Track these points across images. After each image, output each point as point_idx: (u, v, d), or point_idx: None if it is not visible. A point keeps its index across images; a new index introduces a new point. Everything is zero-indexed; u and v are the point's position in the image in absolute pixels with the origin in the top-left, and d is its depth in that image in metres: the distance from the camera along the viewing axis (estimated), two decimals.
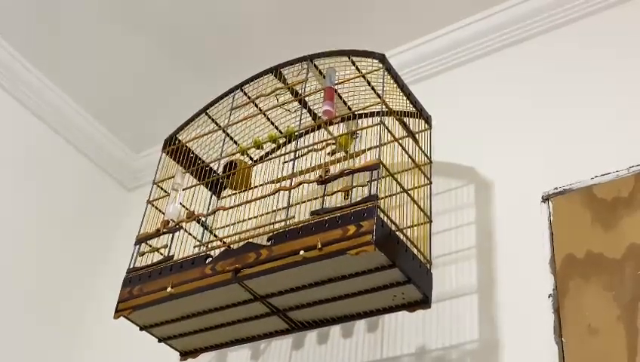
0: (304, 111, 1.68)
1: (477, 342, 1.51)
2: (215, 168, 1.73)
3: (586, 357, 1.37)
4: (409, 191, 1.50)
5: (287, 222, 1.43)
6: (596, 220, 1.50)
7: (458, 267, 1.62)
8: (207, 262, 1.49)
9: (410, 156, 1.53)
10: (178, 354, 1.70)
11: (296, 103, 1.67)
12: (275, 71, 1.68)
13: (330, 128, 1.60)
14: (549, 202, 1.58)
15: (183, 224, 1.62)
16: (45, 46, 2.27)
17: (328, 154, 1.58)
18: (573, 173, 1.58)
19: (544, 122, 1.74)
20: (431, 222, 1.52)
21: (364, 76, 1.57)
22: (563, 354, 1.39)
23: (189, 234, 1.65)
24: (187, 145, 1.76)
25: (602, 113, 1.66)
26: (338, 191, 1.44)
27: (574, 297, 1.44)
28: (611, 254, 1.44)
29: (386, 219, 1.36)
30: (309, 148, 1.57)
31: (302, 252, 1.34)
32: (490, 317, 1.53)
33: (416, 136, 1.63)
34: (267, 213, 1.55)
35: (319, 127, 1.58)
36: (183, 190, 1.68)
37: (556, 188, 1.59)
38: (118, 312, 1.57)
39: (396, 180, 1.46)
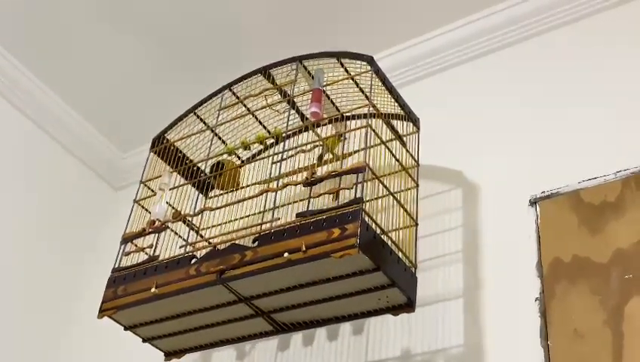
0: (293, 112, 1.67)
1: (463, 345, 1.51)
2: (203, 168, 1.72)
3: (572, 361, 1.36)
4: (395, 194, 1.49)
5: (273, 224, 1.42)
6: (583, 224, 1.50)
7: (444, 270, 1.62)
8: (192, 262, 1.49)
9: (396, 158, 1.53)
10: (163, 354, 1.70)
11: (285, 104, 1.67)
12: (264, 71, 1.67)
13: (318, 130, 1.60)
14: (537, 206, 1.58)
15: (169, 224, 1.62)
16: (34, 45, 2.26)
17: (319, 158, 1.57)
18: (560, 177, 1.58)
19: (532, 126, 1.73)
20: (417, 225, 1.52)
21: (352, 78, 1.56)
22: (549, 358, 1.38)
23: (176, 233, 1.64)
24: (175, 144, 1.75)
25: (590, 117, 1.66)
26: (324, 193, 1.43)
27: (561, 301, 1.44)
28: (598, 258, 1.44)
29: (371, 222, 1.36)
30: (297, 150, 1.56)
31: (286, 254, 1.34)
32: (476, 321, 1.52)
33: (404, 138, 1.62)
34: (254, 214, 1.55)
35: (307, 129, 1.57)
36: (170, 189, 1.67)
37: (544, 192, 1.59)
38: (102, 312, 1.57)
39: (382, 183, 1.45)
